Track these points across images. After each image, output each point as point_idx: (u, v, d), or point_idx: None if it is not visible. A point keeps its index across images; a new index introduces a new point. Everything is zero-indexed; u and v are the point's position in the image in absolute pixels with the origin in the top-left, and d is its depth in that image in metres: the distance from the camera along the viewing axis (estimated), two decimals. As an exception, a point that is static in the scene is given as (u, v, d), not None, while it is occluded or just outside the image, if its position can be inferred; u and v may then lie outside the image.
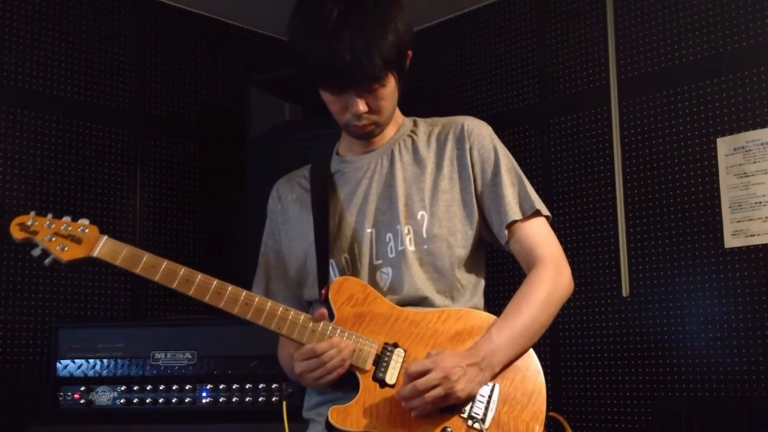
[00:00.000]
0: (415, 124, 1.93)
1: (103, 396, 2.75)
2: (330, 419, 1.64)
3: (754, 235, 3.10)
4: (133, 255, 1.72)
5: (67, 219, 1.75)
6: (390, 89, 1.75)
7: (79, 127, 3.49)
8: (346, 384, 1.71)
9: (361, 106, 1.73)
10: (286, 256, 1.90)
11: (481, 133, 1.86)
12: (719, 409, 3.12)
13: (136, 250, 1.72)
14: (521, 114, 3.76)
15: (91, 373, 2.75)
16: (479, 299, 1.85)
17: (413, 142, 1.88)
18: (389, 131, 1.88)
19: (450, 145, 1.85)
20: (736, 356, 3.11)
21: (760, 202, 3.11)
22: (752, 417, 3.00)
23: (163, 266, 1.72)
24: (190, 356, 2.74)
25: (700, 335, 3.21)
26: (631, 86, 3.49)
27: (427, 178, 1.82)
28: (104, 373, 2.75)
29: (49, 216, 1.76)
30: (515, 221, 1.80)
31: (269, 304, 1.71)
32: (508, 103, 3.87)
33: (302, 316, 1.71)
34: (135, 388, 2.74)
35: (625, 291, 3.41)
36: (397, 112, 1.90)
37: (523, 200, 1.82)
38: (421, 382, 1.60)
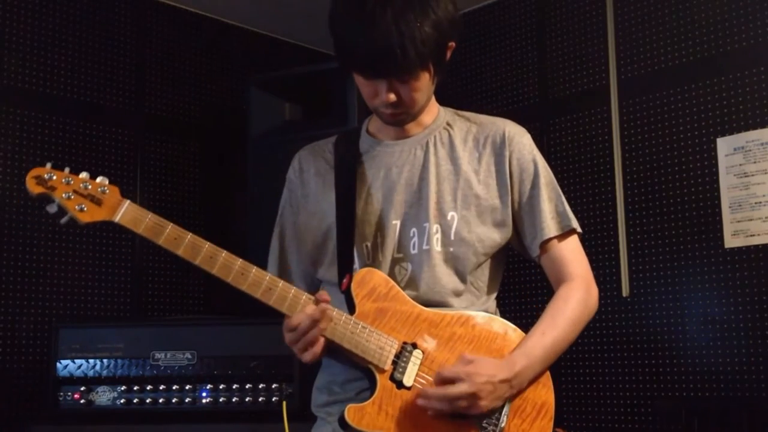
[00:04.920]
0: (453, 117, 1.86)
1: (103, 396, 2.75)
2: (346, 417, 1.62)
3: (754, 235, 3.10)
4: (157, 224, 1.63)
5: (85, 175, 1.63)
6: (423, 82, 1.68)
7: (79, 127, 3.49)
8: (357, 383, 1.71)
9: (391, 97, 1.67)
10: (303, 231, 1.85)
11: (521, 141, 1.82)
12: (719, 409, 3.12)
13: (160, 219, 1.64)
14: (521, 114, 3.76)
15: (91, 373, 2.75)
16: (492, 302, 1.83)
17: (450, 137, 1.82)
18: (425, 119, 1.82)
19: (489, 150, 1.80)
20: (736, 356, 3.11)
21: (760, 202, 3.11)
22: (752, 417, 3.00)
23: (187, 239, 1.64)
24: (190, 356, 2.74)
25: (700, 335, 3.21)
26: (631, 86, 3.49)
27: (462, 179, 1.77)
28: (104, 373, 2.75)
29: (67, 170, 1.63)
30: (550, 238, 1.79)
31: (293, 290, 1.65)
32: (508, 103, 3.87)
33: (335, 311, 1.66)
34: (135, 388, 2.74)
35: (625, 291, 3.40)
36: (433, 100, 1.84)
37: (560, 217, 1.80)
38: (450, 393, 1.59)
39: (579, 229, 1.83)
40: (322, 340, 1.64)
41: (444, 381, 1.60)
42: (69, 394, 2.75)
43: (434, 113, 1.85)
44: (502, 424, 1.66)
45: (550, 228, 1.78)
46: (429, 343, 1.69)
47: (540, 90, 3.79)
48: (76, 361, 2.76)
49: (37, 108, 3.37)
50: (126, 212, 1.63)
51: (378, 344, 1.66)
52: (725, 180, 3.19)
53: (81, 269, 3.40)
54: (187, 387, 2.74)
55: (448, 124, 1.85)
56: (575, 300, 1.76)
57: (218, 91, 3.97)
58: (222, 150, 3.90)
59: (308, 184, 1.87)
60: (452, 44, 1.72)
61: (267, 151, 3.29)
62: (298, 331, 1.62)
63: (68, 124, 3.46)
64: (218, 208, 3.88)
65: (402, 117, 1.75)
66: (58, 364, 2.76)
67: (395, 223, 1.77)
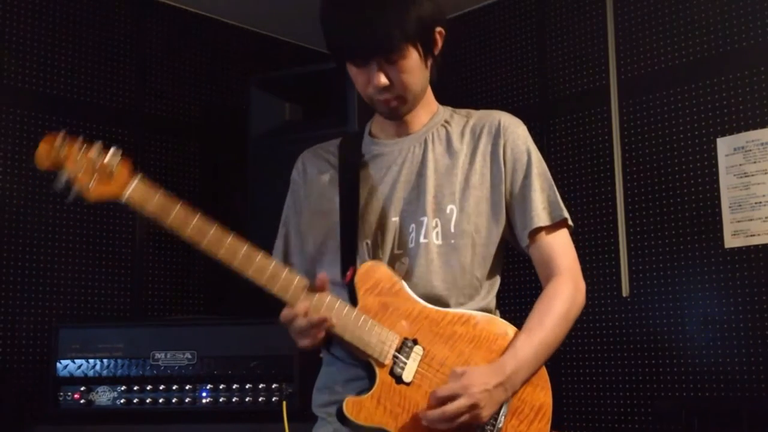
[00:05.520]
0: (450, 114, 1.89)
1: (103, 396, 2.75)
2: (344, 410, 1.62)
3: (754, 235, 3.10)
4: (166, 203, 1.62)
5: (98, 146, 1.61)
6: (412, 63, 1.71)
7: (79, 127, 3.49)
8: (358, 383, 1.71)
9: (382, 78, 1.69)
10: (306, 231, 1.86)
11: (516, 131, 1.84)
12: (719, 409, 3.12)
13: (170, 198, 1.63)
14: (521, 114, 3.73)
15: (91, 373, 2.75)
16: (492, 299, 1.83)
17: (447, 132, 1.84)
18: (423, 117, 1.85)
19: (484, 140, 1.82)
20: (736, 356, 3.11)
21: (760, 202, 3.11)
22: (752, 417, 3.00)
23: (194, 221, 1.64)
24: (190, 356, 2.74)
25: (700, 335, 3.21)
26: (631, 86, 3.49)
27: (459, 172, 1.79)
28: (104, 373, 2.75)
29: (80, 139, 1.60)
30: (540, 228, 1.79)
31: (296, 279, 1.64)
32: (508, 103, 3.87)
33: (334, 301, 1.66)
34: (135, 388, 2.74)
35: (625, 291, 3.40)
36: (432, 98, 1.87)
37: (551, 207, 1.81)
38: (450, 411, 1.58)
39: (570, 222, 1.83)
40: (323, 334, 1.64)
41: (440, 400, 1.60)
42: (69, 394, 2.75)
43: (432, 111, 1.87)
44: (500, 425, 1.66)
45: (541, 217, 1.79)
46: (430, 340, 1.69)
47: (540, 90, 3.79)
48: (76, 361, 2.76)
49: (37, 108, 3.37)
50: (135, 189, 1.62)
51: (379, 338, 1.66)
52: (725, 180, 3.19)
53: (81, 269, 3.40)
54: (187, 387, 2.74)
55: (446, 121, 1.87)
56: (563, 296, 1.76)
57: (218, 91, 3.96)
58: (222, 150, 3.90)
59: (311, 184, 1.89)
60: (440, 29, 1.76)
61: (267, 151, 3.29)
62: (305, 324, 1.61)
63: (68, 124, 3.45)
64: (218, 208, 3.84)
65: (396, 104, 1.76)
66: (58, 364, 2.76)
67: (395, 221, 1.78)
